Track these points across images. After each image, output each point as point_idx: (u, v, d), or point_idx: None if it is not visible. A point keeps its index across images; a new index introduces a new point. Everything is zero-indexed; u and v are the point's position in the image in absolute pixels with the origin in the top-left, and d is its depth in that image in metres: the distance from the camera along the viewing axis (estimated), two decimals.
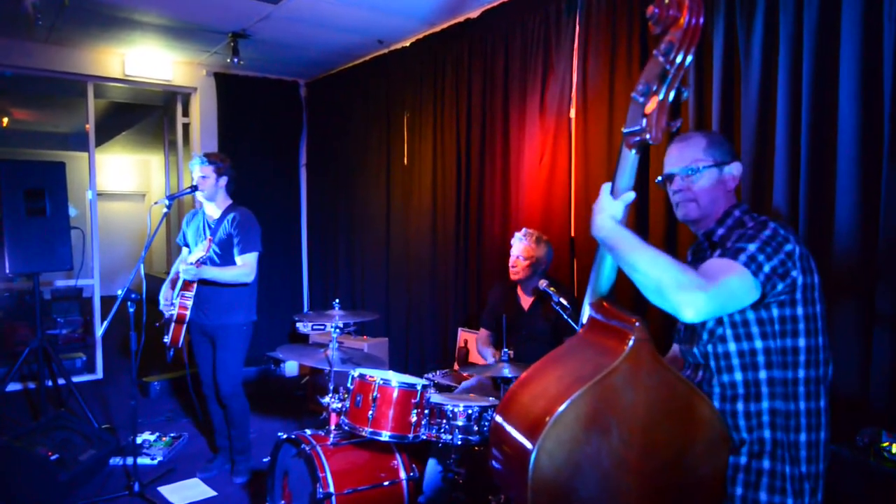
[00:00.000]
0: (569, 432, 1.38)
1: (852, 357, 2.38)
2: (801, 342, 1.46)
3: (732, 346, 1.50)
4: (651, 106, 1.35)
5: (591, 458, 1.39)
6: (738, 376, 1.50)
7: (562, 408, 1.36)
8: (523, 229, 3.32)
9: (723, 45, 2.80)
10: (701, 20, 1.30)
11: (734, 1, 2.76)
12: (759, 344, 1.47)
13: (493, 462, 1.56)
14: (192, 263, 3.34)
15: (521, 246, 3.24)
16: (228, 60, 5.03)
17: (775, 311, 1.45)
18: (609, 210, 1.47)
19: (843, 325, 2.41)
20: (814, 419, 1.47)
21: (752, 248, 1.41)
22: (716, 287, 1.32)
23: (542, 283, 2.94)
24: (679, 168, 1.66)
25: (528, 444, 1.38)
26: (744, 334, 1.49)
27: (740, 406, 1.50)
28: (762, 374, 1.48)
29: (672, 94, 1.34)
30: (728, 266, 1.38)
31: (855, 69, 2.34)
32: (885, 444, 2.04)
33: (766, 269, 1.39)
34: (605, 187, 1.51)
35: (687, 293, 1.28)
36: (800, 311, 1.45)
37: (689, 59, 1.31)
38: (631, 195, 1.47)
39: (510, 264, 3.27)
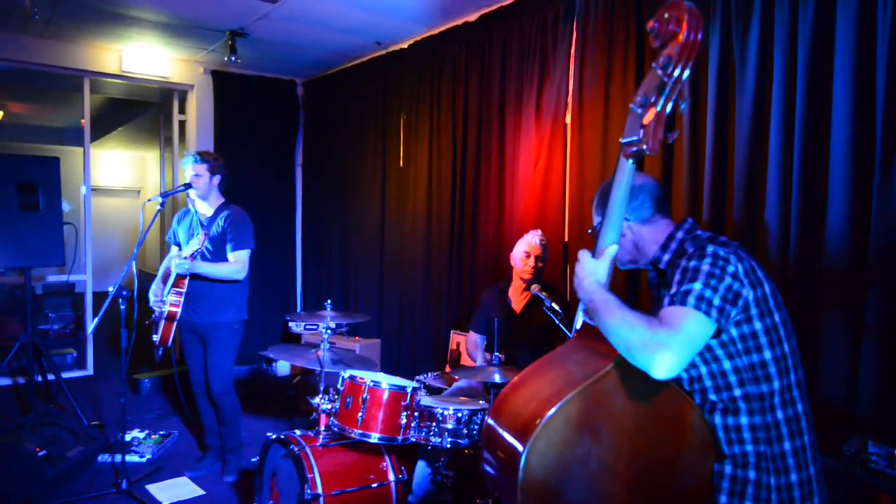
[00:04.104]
0: (559, 434, 1.39)
1: (841, 367, 2.40)
2: (767, 354, 1.46)
3: (704, 369, 1.51)
4: (649, 117, 1.37)
5: (581, 461, 1.40)
6: (713, 396, 1.51)
7: (552, 410, 1.37)
8: (539, 231, 3.32)
9: (718, 56, 2.82)
10: (699, 36, 1.33)
11: (730, 12, 2.77)
12: (727, 364, 1.48)
13: (485, 465, 1.56)
14: (185, 257, 3.33)
15: (539, 247, 3.24)
16: (226, 58, 5.03)
17: (734, 331, 1.46)
18: (595, 275, 1.50)
19: (833, 335, 2.42)
20: (794, 426, 1.47)
21: (697, 287, 1.41)
22: (677, 338, 1.34)
23: (535, 288, 2.94)
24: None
25: (519, 446, 1.39)
26: (710, 357, 1.50)
27: (718, 419, 1.50)
28: (737, 392, 1.48)
29: (669, 107, 1.36)
30: (681, 314, 1.39)
31: (848, 82, 2.36)
32: (872, 454, 2.06)
33: (717, 302, 1.39)
34: (585, 254, 1.54)
35: (654, 353, 1.30)
36: (758, 325, 1.46)
37: (687, 72, 1.34)
38: (614, 249, 1.50)
39: (528, 264, 3.23)
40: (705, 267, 1.43)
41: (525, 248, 3.26)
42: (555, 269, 3.64)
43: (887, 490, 1.97)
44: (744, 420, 1.48)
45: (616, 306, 1.43)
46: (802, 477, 1.46)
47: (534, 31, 3.82)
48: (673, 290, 1.44)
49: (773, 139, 2.60)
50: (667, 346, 1.31)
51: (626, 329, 1.37)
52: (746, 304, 1.44)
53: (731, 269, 1.43)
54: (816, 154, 2.48)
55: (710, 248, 1.47)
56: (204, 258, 3.44)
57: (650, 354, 1.31)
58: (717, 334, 1.44)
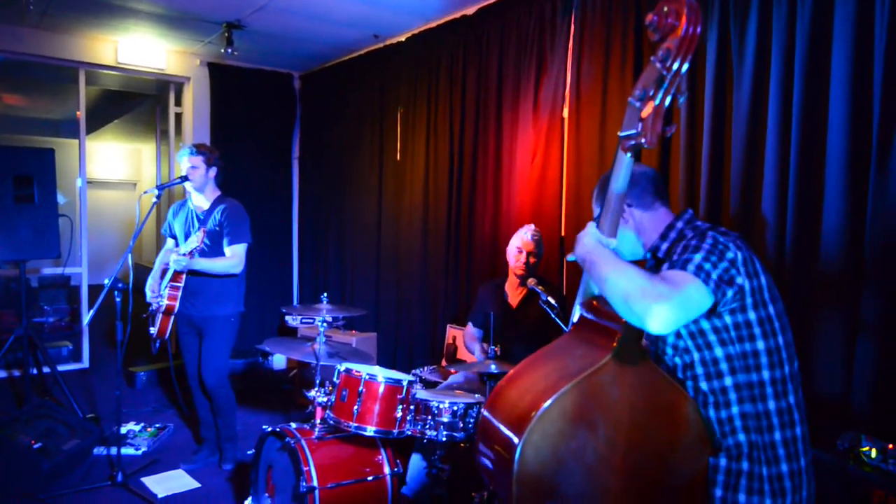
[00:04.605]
0: (555, 427, 1.38)
1: (836, 362, 2.40)
2: (760, 345, 1.47)
3: (696, 356, 1.52)
4: (647, 111, 1.37)
5: (576, 453, 1.40)
6: (705, 385, 1.51)
7: (548, 402, 1.37)
8: (532, 226, 3.31)
9: (716, 51, 2.82)
10: (698, 29, 1.33)
11: (728, 6, 2.77)
12: (719, 352, 1.49)
13: (480, 457, 1.56)
14: (184, 254, 3.33)
15: (531, 243, 3.22)
16: (222, 51, 5.00)
17: (728, 319, 1.46)
18: (595, 236, 1.52)
19: (828, 330, 2.43)
20: (786, 416, 1.48)
21: (697, 258, 1.42)
22: (678, 294, 1.33)
23: (531, 282, 2.95)
24: None
25: (515, 438, 1.39)
26: (703, 344, 1.50)
27: (711, 412, 1.51)
28: (728, 381, 1.49)
29: (668, 100, 1.36)
30: (682, 275, 1.39)
31: (846, 76, 2.36)
32: (865, 448, 2.07)
33: (714, 276, 1.40)
34: (592, 224, 1.56)
35: (652, 303, 1.29)
36: (752, 315, 1.46)
37: (686, 66, 1.34)
38: (612, 242, 1.51)
39: (520, 260, 3.22)
40: (706, 246, 1.45)
41: (518, 245, 3.25)
42: (551, 264, 3.64)
43: (880, 484, 1.98)
44: (735, 409, 1.48)
45: (614, 258, 1.43)
46: (793, 468, 1.47)
47: (532, 24, 3.81)
48: (673, 259, 1.45)
49: (770, 134, 2.60)
50: (666, 299, 1.30)
51: (625, 279, 1.36)
52: (742, 292, 1.44)
53: (729, 255, 1.44)
54: (813, 149, 2.48)
55: (710, 234, 1.49)
56: (202, 252, 3.44)
57: (648, 303, 1.29)
58: (711, 312, 1.45)
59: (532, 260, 3.23)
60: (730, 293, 1.43)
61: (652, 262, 1.68)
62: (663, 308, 1.29)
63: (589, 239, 1.52)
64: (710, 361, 1.50)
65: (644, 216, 1.66)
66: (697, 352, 1.52)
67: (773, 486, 1.46)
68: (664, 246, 1.62)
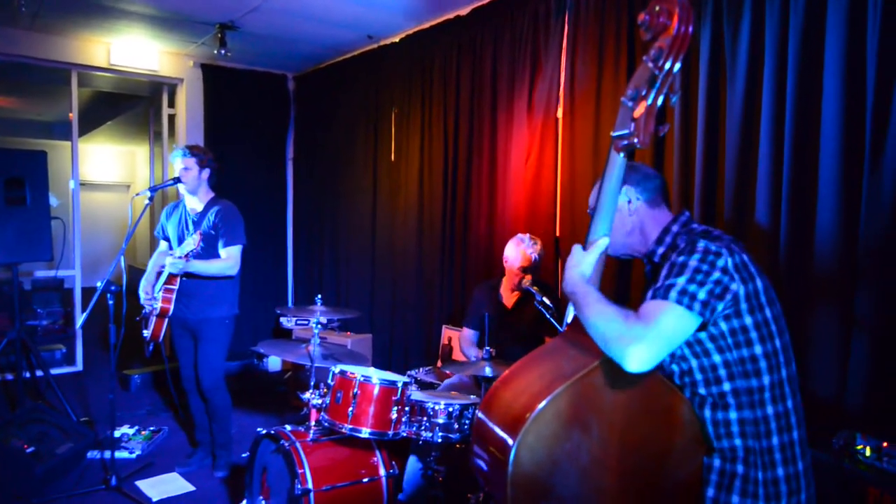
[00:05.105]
0: (549, 429, 1.38)
1: (830, 361, 2.41)
2: (758, 349, 1.47)
3: (694, 363, 1.52)
4: (639, 110, 1.37)
5: (571, 454, 1.40)
6: (703, 391, 1.51)
7: (543, 404, 1.37)
8: (537, 244, 3.22)
9: (709, 51, 2.82)
10: (690, 28, 1.33)
11: (721, 5, 2.77)
12: (717, 358, 1.48)
13: (475, 459, 1.56)
14: (180, 257, 3.31)
15: (534, 261, 3.15)
16: (216, 52, 4.98)
17: (724, 325, 1.46)
18: (579, 266, 1.52)
19: (822, 329, 2.43)
20: (783, 421, 1.48)
21: (681, 281, 1.41)
22: (651, 332, 1.34)
23: (526, 282, 2.94)
24: None
25: (510, 440, 1.38)
26: (701, 351, 1.50)
27: (707, 413, 1.51)
28: (726, 387, 1.48)
29: (661, 100, 1.36)
30: (659, 307, 1.40)
31: (838, 75, 2.37)
32: (860, 446, 2.07)
33: (701, 296, 1.40)
34: (577, 247, 1.55)
35: (627, 346, 1.31)
36: (748, 320, 1.46)
37: (678, 65, 1.34)
38: (605, 242, 1.51)
39: (528, 280, 3.14)
40: (693, 262, 1.43)
41: (521, 262, 3.16)
42: (546, 264, 3.63)
43: (875, 482, 1.98)
44: (733, 415, 1.48)
45: (595, 299, 1.44)
46: (790, 472, 1.47)
47: (525, 25, 3.81)
48: (657, 284, 1.45)
49: (763, 133, 2.61)
50: (640, 340, 1.32)
51: (603, 322, 1.38)
52: (736, 298, 1.44)
53: (721, 263, 1.43)
54: (807, 148, 2.48)
55: (700, 244, 1.46)
56: (196, 255, 3.42)
57: (623, 347, 1.31)
58: (703, 328, 1.44)
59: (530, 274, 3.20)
60: (720, 306, 1.42)
61: (649, 268, 1.68)
62: (638, 350, 1.31)
63: (573, 272, 1.52)
64: (708, 368, 1.50)
65: (649, 214, 1.66)
66: (695, 359, 1.51)
67: (768, 489, 1.45)
68: (660, 251, 1.62)
